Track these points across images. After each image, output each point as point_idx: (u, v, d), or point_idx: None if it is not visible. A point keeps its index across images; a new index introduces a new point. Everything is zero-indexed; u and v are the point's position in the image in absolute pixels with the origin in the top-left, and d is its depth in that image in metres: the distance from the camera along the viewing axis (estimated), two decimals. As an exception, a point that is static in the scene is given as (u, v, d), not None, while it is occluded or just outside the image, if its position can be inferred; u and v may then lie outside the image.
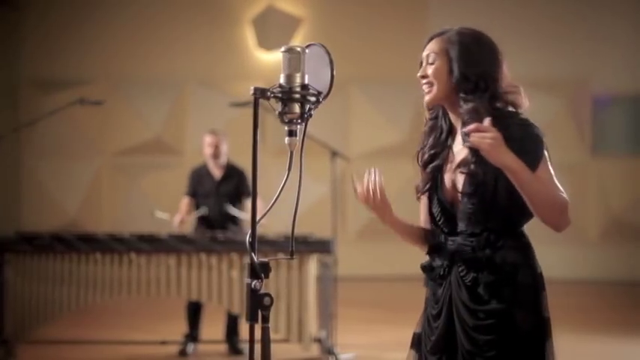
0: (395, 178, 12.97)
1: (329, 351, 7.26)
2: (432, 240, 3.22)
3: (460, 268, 3.07)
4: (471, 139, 2.89)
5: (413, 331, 3.26)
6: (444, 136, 3.20)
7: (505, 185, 2.97)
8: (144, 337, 8.13)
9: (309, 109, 2.77)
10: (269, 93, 2.73)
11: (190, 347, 7.73)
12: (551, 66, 13.25)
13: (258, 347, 2.72)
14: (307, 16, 13.66)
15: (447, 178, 3.15)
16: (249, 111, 10.09)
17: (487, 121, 2.91)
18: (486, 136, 2.87)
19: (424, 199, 3.26)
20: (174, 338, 7.79)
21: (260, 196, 8.18)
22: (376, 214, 3.30)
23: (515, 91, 3.12)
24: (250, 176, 8.16)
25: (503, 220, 3.04)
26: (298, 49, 2.75)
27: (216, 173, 8.00)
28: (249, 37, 13.69)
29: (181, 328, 7.85)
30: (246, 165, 12.49)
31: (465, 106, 3.06)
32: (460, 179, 3.08)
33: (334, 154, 7.66)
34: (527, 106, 3.13)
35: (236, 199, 7.98)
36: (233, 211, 7.84)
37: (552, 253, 12.84)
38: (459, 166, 3.08)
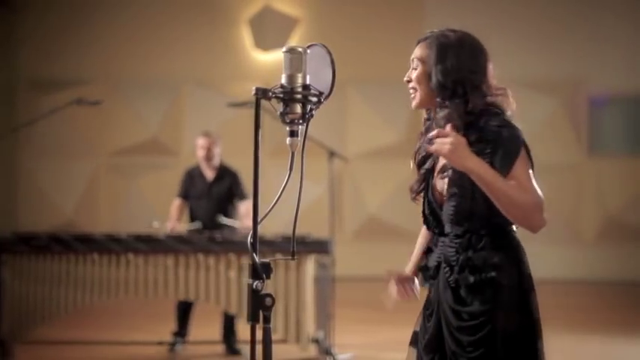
0: (391, 178, 13.07)
1: (327, 351, 7.26)
2: (431, 242, 3.26)
3: (445, 270, 3.10)
4: (433, 145, 2.93)
5: (411, 330, 3.29)
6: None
7: (481, 191, 2.98)
8: (141, 338, 8.12)
9: (311, 110, 2.77)
10: (270, 93, 2.72)
11: (179, 346, 7.74)
12: (548, 66, 13.26)
13: (254, 347, 2.72)
14: (304, 16, 13.66)
15: (438, 179, 3.18)
16: (247, 111, 10.19)
17: (448, 127, 2.94)
18: (445, 141, 2.89)
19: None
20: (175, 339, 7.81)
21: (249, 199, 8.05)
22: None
23: (500, 94, 3.11)
24: (243, 178, 8.20)
25: (483, 221, 3.04)
26: (300, 49, 2.75)
27: (209, 175, 8.00)
28: (246, 37, 13.69)
29: (186, 330, 7.87)
30: (243, 165, 12.49)
31: (441, 113, 3.09)
32: (442, 183, 3.12)
33: (332, 154, 7.66)
34: (514, 108, 3.12)
35: (228, 201, 7.99)
36: (225, 220, 7.85)
37: (549, 253, 12.88)
38: (439, 171, 3.13)
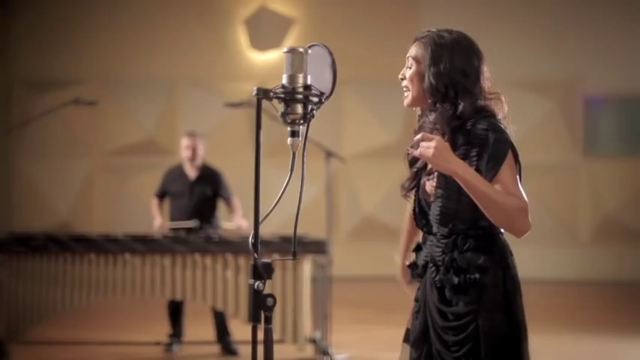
0: (387, 178, 13.08)
1: (324, 351, 7.26)
2: (421, 240, 3.28)
3: (431, 269, 3.12)
4: (417, 149, 2.93)
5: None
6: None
7: (467, 193, 2.99)
8: (138, 338, 8.12)
9: (312, 110, 2.77)
10: (272, 93, 2.72)
11: (176, 346, 7.75)
12: (544, 67, 13.27)
13: (255, 348, 2.72)
14: (300, 16, 13.65)
15: (425, 181, 3.20)
16: (242, 112, 10.24)
17: (424, 135, 2.95)
18: (430, 145, 2.90)
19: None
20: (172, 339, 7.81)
21: (236, 196, 8.15)
22: None
23: (493, 98, 3.12)
24: (226, 177, 8.20)
25: (469, 223, 3.06)
26: (301, 49, 2.75)
27: (192, 174, 8.00)
28: (242, 37, 13.68)
29: (180, 329, 7.87)
30: (239, 165, 12.53)
31: (430, 117, 3.10)
32: (430, 184, 3.13)
33: (329, 154, 7.66)
34: (506, 112, 3.13)
35: (210, 201, 8.00)
36: (226, 225, 7.89)
37: (544, 254, 12.91)
38: (427, 173, 3.14)
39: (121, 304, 9.23)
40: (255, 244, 2.69)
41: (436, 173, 3.07)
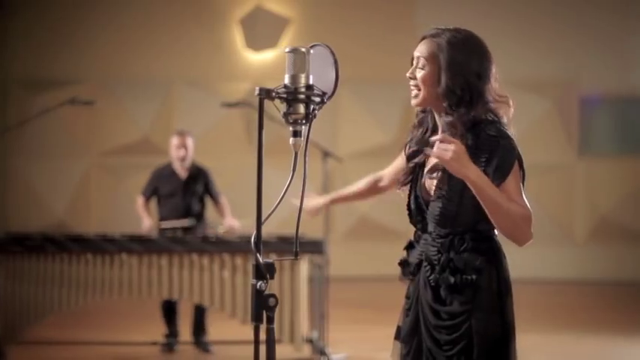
0: (383, 178, 13.06)
1: (321, 351, 7.27)
2: (413, 238, 3.26)
3: (426, 268, 3.13)
4: (433, 150, 2.92)
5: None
6: (428, 134, 3.21)
7: (470, 196, 3.00)
8: (135, 338, 8.12)
9: (314, 110, 2.77)
10: (274, 93, 2.71)
11: (174, 345, 7.76)
12: (539, 66, 13.28)
13: (258, 348, 2.72)
14: (295, 16, 13.65)
15: (425, 179, 3.19)
16: (238, 111, 10.23)
17: (443, 136, 2.94)
18: (448, 148, 2.89)
19: (398, 159, 3.44)
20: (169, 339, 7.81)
21: (224, 196, 8.15)
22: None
23: (501, 101, 3.12)
24: (212, 176, 8.21)
25: (469, 225, 3.07)
26: (303, 49, 2.74)
27: (182, 173, 8.01)
28: (237, 37, 13.67)
29: (176, 329, 7.86)
30: (234, 165, 12.53)
31: (445, 119, 3.08)
32: (430, 183, 3.12)
33: (326, 154, 7.66)
34: (511, 116, 3.13)
35: (201, 199, 8.01)
36: (219, 227, 7.91)
37: (540, 254, 12.90)
38: (429, 171, 3.13)
39: (118, 304, 9.21)
40: (257, 244, 2.69)
41: (440, 173, 3.06)
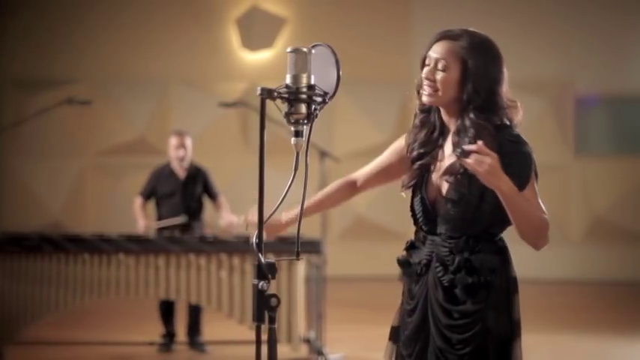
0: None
1: (318, 351, 7.27)
2: (415, 238, 3.25)
3: (438, 269, 3.12)
4: (469, 160, 2.87)
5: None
6: (435, 134, 3.19)
7: (491, 199, 3.00)
8: (132, 338, 8.11)
9: (315, 110, 2.77)
10: (275, 93, 2.71)
11: (171, 345, 7.77)
12: (535, 67, 13.28)
13: (259, 348, 2.72)
14: (291, 16, 13.65)
15: (434, 178, 3.17)
16: (234, 111, 10.21)
17: (480, 143, 2.89)
18: (485, 161, 2.86)
19: (384, 155, 3.36)
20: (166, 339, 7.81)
21: (223, 194, 8.13)
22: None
23: (512, 106, 3.13)
24: (211, 176, 8.20)
25: (483, 227, 3.08)
26: (305, 49, 2.74)
27: (181, 173, 8.00)
28: (234, 37, 13.67)
29: (174, 329, 7.86)
30: (230, 165, 12.52)
31: (469, 123, 3.06)
32: (445, 184, 3.11)
33: (323, 154, 7.66)
34: (520, 120, 3.14)
35: (199, 199, 8.02)
36: (219, 224, 7.91)
37: (535, 254, 12.87)
38: (445, 173, 3.11)
39: (115, 304, 9.20)
40: (259, 244, 2.69)
41: (459, 176, 3.05)
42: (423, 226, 3.18)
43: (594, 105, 13.50)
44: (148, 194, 8.07)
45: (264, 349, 2.69)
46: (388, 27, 13.35)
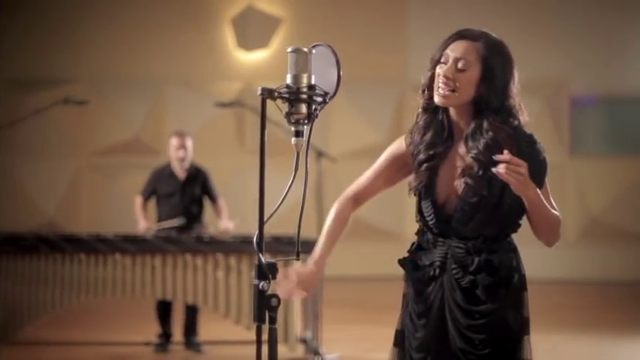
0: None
1: (314, 351, 7.26)
2: (422, 240, 3.22)
3: (455, 271, 3.10)
4: (501, 170, 2.87)
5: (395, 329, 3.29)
6: (445, 135, 3.16)
7: (509, 200, 3.01)
8: (128, 338, 8.09)
9: (316, 110, 2.76)
10: (276, 93, 2.71)
11: (167, 345, 7.78)
12: (530, 67, 13.25)
13: (260, 348, 2.71)
14: (287, 16, 13.64)
15: (444, 179, 3.14)
16: (230, 111, 10.20)
17: (507, 153, 2.90)
18: (520, 172, 2.87)
19: (382, 161, 3.29)
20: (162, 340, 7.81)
21: (222, 196, 8.10)
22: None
23: (521, 108, 3.15)
24: (211, 177, 8.16)
25: (501, 227, 3.09)
26: (305, 49, 2.74)
27: (181, 174, 7.98)
28: (229, 37, 13.66)
29: (170, 329, 7.85)
30: (225, 165, 12.50)
31: (486, 124, 3.05)
32: (462, 186, 3.09)
33: (319, 154, 7.66)
34: (526, 120, 3.15)
35: (199, 200, 8.00)
36: (212, 228, 7.91)
37: (530, 254, 12.89)
38: (463, 174, 3.08)
39: (111, 304, 9.20)
40: (259, 244, 2.69)
41: (479, 179, 3.03)
42: (435, 229, 3.15)
43: (591, 105, 13.52)
44: (148, 194, 8.06)
45: (263, 349, 2.69)
46: (384, 26, 13.35)
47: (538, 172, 2.98)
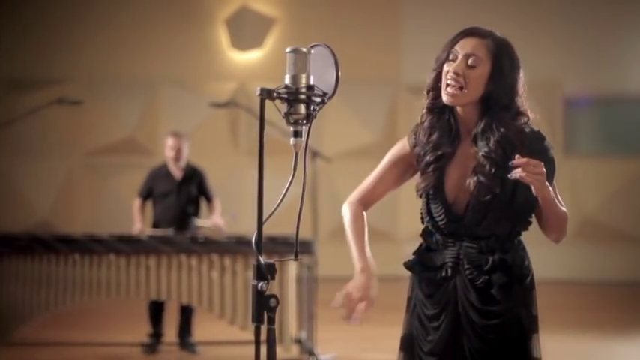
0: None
1: (309, 351, 7.26)
2: (430, 242, 3.19)
3: (468, 271, 3.08)
4: (523, 174, 2.85)
5: (394, 329, 3.27)
6: (452, 135, 3.14)
7: (521, 197, 3.01)
8: (124, 339, 8.08)
9: (314, 110, 2.76)
10: (275, 94, 2.70)
11: (157, 346, 7.77)
12: (523, 66, 13.28)
13: (258, 348, 2.71)
14: (281, 16, 13.64)
15: (452, 179, 3.12)
16: (224, 111, 10.19)
17: (518, 157, 2.89)
18: (540, 172, 2.87)
19: (386, 165, 3.25)
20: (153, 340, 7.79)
21: (218, 197, 8.08)
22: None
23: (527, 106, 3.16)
24: (209, 177, 8.13)
25: (512, 226, 3.08)
26: (304, 49, 2.73)
27: (177, 174, 7.98)
28: (223, 37, 13.66)
29: (162, 329, 7.83)
30: (219, 165, 12.50)
31: (496, 122, 3.05)
32: (473, 185, 3.06)
33: (314, 154, 7.66)
34: (533, 118, 3.16)
35: (196, 200, 8.00)
36: (199, 222, 7.88)
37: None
38: (476, 173, 3.06)
39: (106, 304, 9.18)
40: (258, 245, 2.68)
41: (492, 177, 3.01)
42: (445, 229, 3.12)
43: (586, 106, 13.54)
44: (146, 194, 8.05)
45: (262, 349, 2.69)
46: (378, 26, 13.35)
47: (548, 170, 2.95)
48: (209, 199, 8.02)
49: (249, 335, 6.75)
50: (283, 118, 2.74)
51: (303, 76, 2.72)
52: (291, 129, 2.73)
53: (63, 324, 8.79)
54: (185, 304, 7.47)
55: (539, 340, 3.14)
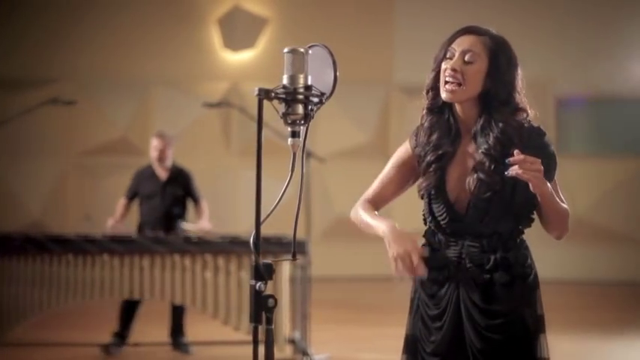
0: (360, 178, 12.99)
1: (303, 351, 7.26)
2: (433, 241, 3.18)
3: (471, 270, 3.07)
4: (520, 172, 2.85)
5: (390, 329, 3.26)
6: (452, 134, 3.14)
7: (522, 194, 3.01)
8: (116, 339, 8.06)
9: (312, 110, 2.76)
10: (273, 94, 2.70)
11: (121, 347, 7.64)
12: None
13: (257, 349, 2.71)
14: (273, 16, 13.64)
15: (453, 178, 3.12)
16: (216, 112, 10.17)
17: (517, 152, 2.88)
18: (537, 168, 2.87)
19: (391, 168, 3.24)
20: (146, 340, 7.77)
21: (205, 199, 8.04)
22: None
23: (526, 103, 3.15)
24: (196, 178, 8.09)
25: (514, 223, 3.09)
26: (302, 49, 2.74)
27: (162, 175, 7.95)
28: (215, 37, 13.65)
29: (155, 330, 7.82)
30: (212, 165, 12.49)
31: (495, 119, 3.05)
32: (474, 183, 3.06)
33: (308, 154, 7.66)
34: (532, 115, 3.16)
35: (181, 202, 7.97)
36: (185, 225, 7.85)
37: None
38: (475, 171, 3.06)
39: (99, 305, 9.15)
40: (256, 245, 2.68)
41: (492, 174, 3.01)
42: (447, 229, 3.12)
43: (579, 106, 13.57)
44: (132, 195, 8.03)
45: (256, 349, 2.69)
46: (370, 26, 13.36)
47: (549, 166, 2.96)
48: (196, 201, 7.97)
49: (243, 335, 6.80)
50: (281, 118, 2.73)
51: (301, 76, 2.72)
52: (289, 129, 2.73)
53: (57, 324, 8.77)
54: (179, 304, 7.46)
55: (546, 339, 3.12)
